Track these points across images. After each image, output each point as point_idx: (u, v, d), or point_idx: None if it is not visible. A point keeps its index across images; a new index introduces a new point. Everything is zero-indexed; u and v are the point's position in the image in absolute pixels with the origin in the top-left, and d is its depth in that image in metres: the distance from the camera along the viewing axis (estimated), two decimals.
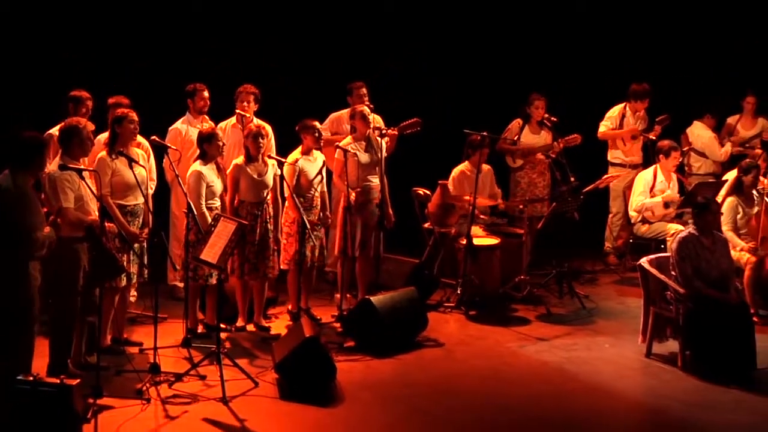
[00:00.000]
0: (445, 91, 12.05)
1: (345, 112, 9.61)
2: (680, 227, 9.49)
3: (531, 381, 7.56)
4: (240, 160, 8.28)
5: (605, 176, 10.42)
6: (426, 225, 9.73)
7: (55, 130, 7.78)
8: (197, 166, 8.01)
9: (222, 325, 7.95)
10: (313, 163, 8.55)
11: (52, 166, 7.02)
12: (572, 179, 9.64)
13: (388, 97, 10.41)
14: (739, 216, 9.21)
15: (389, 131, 9.28)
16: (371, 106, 9.16)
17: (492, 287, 9.32)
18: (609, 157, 10.95)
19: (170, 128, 9.04)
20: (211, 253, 7.14)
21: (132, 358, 7.48)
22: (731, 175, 9.67)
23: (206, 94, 9.05)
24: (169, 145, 8.29)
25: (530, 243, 9.88)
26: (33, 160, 6.56)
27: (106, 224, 6.96)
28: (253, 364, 7.60)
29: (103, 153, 7.55)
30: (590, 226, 10.74)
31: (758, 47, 12.03)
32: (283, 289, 9.02)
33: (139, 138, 8.10)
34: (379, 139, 8.99)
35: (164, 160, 8.54)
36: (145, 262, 7.73)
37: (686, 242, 7.86)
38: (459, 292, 9.20)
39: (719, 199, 9.16)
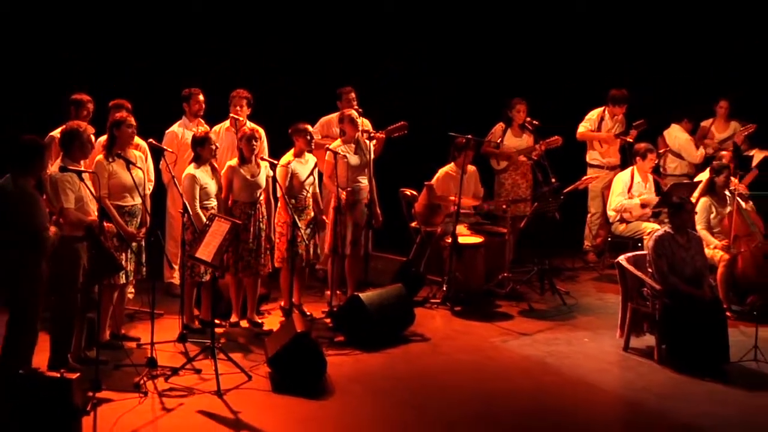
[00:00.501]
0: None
1: (335, 116, 9.61)
2: (656, 226, 9.53)
3: (514, 374, 7.57)
4: (234, 161, 8.28)
5: (584, 177, 10.44)
6: (413, 224, 9.75)
7: (56, 133, 7.76)
8: (191, 169, 8.00)
9: (216, 321, 7.94)
10: (305, 165, 8.55)
11: (53, 167, 7.02)
12: (553, 180, 9.66)
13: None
14: (712, 215, 9.25)
15: (377, 134, 9.29)
16: (360, 110, 9.16)
17: (476, 284, 9.33)
18: (588, 159, 10.98)
19: (167, 131, 9.04)
20: (206, 251, 7.14)
21: (130, 353, 7.45)
22: (704, 176, 9.72)
23: (201, 97, 9.05)
24: (165, 147, 8.28)
25: (513, 241, 9.91)
26: (33, 163, 6.56)
27: (104, 224, 6.97)
28: (246, 359, 7.60)
29: (100, 156, 7.54)
30: (570, 226, 10.73)
31: (733, 53, 12.09)
32: (275, 286, 9.03)
33: (137, 139, 8.09)
34: (367, 141, 9.00)
35: (161, 162, 8.53)
36: (143, 260, 7.73)
37: (662, 240, 7.89)
38: (444, 288, 9.21)
39: (693, 199, 9.20)
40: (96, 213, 6.94)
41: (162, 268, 9.02)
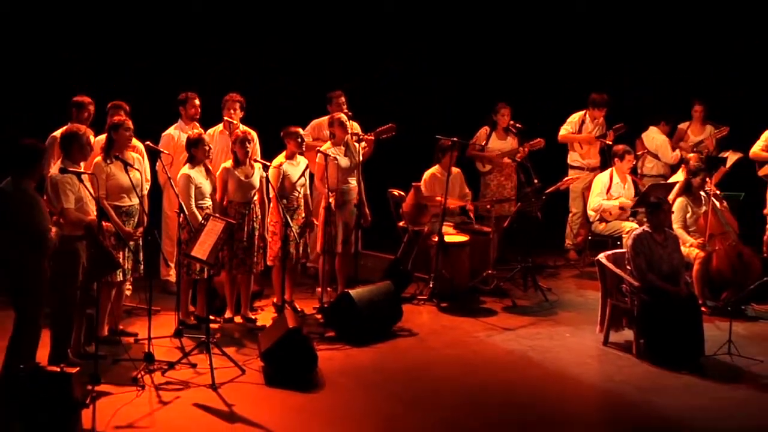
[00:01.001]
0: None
1: (325, 119, 9.61)
2: (635, 225, 9.55)
3: (498, 367, 7.59)
4: (228, 163, 8.29)
5: (565, 178, 10.46)
6: (401, 224, 9.75)
7: (57, 133, 7.75)
8: (186, 169, 8.01)
9: (211, 317, 7.94)
10: (296, 167, 8.56)
11: (53, 169, 7.02)
12: (535, 181, 9.69)
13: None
14: (688, 215, 9.29)
15: (366, 136, 9.30)
16: (349, 113, 9.17)
17: (462, 281, 9.35)
18: (569, 161, 11.01)
19: (163, 134, 9.03)
20: (201, 250, 7.14)
21: (128, 348, 7.45)
22: (678, 177, 9.77)
23: (197, 102, 9.04)
24: (162, 149, 8.27)
25: (497, 240, 9.94)
26: (33, 166, 6.56)
27: (103, 224, 6.96)
28: (240, 353, 7.61)
29: (99, 158, 7.53)
30: (552, 225, 10.76)
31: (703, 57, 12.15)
32: (268, 284, 9.03)
33: (134, 141, 8.07)
34: (356, 144, 9.01)
35: (157, 164, 8.52)
36: (140, 258, 7.73)
37: (640, 239, 7.92)
38: (431, 285, 9.23)
39: (670, 199, 9.24)
40: (95, 213, 6.93)
41: (158, 266, 9.00)
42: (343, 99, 9.63)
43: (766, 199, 10.30)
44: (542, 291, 9.52)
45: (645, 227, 8.05)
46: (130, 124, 7.63)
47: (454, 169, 9.67)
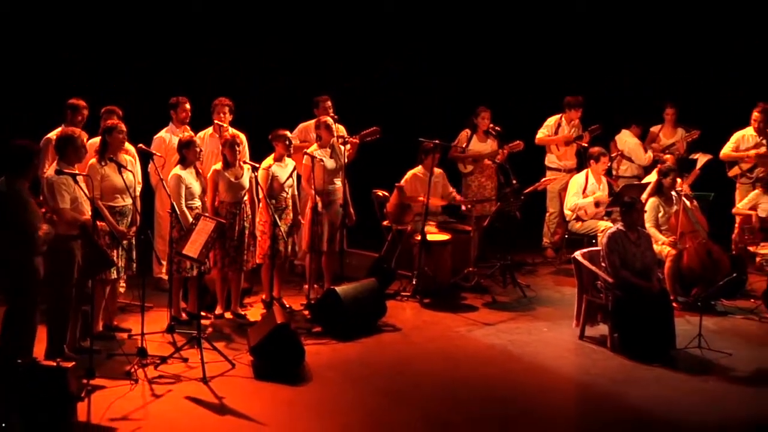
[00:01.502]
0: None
1: (312, 123, 9.62)
2: (609, 224, 9.60)
3: (479, 361, 7.61)
4: (219, 165, 8.30)
5: (543, 179, 10.49)
6: (385, 223, 9.77)
7: (53, 135, 7.74)
8: (177, 170, 8.02)
9: (203, 313, 7.95)
10: (284, 169, 8.57)
11: (49, 171, 7.01)
12: (514, 182, 9.72)
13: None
14: (660, 214, 9.34)
15: (351, 139, 9.32)
16: (335, 117, 9.20)
17: (444, 278, 9.38)
18: (546, 162, 11.06)
19: (155, 137, 9.02)
20: (192, 248, 7.15)
21: (122, 343, 7.47)
22: (651, 178, 9.83)
23: (188, 106, 9.04)
24: (154, 152, 8.27)
25: (477, 238, 9.98)
26: (27, 167, 6.55)
27: (97, 223, 6.96)
28: (230, 348, 7.62)
29: (94, 160, 7.53)
30: (530, 224, 10.80)
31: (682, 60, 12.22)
32: (257, 281, 9.03)
33: (127, 145, 8.07)
34: (342, 146, 9.04)
35: (149, 165, 8.53)
36: (133, 257, 7.73)
37: (614, 237, 7.97)
38: (414, 282, 9.25)
39: (643, 199, 9.30)
40: (90, 213, 6.93)
41: (151, 264, 8.99)
42: (329, 103, 9.65)
43: (734, 199, 10.41)
44: (521, 287, 9.54)
45: (619, 226, 8.10)
46: (123, 127, 7.64)
47: (437, 170, 9.70)
